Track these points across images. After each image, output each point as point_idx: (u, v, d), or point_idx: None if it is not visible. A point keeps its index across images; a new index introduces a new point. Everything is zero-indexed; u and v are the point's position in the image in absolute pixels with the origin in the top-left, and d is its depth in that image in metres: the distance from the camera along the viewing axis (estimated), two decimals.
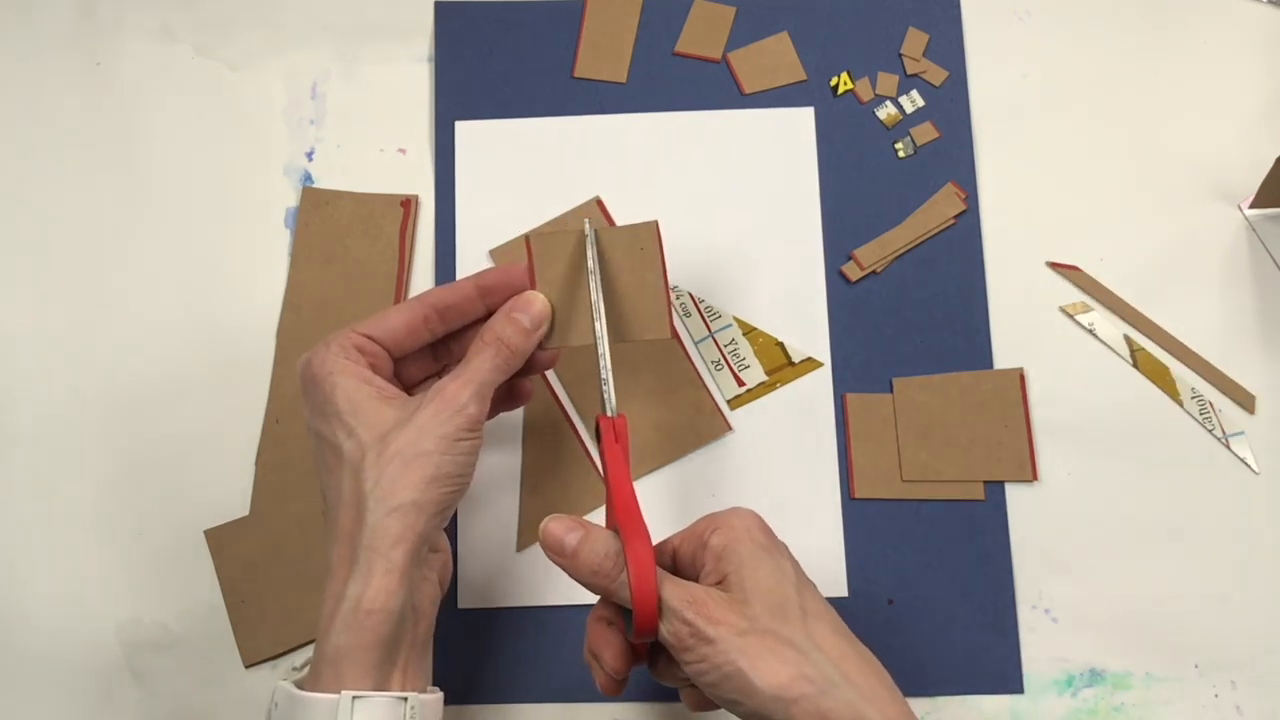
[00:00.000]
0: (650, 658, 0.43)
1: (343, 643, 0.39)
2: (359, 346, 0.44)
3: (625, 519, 0.40)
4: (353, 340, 0.44)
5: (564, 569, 0.40)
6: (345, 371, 0.42)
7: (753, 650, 0.37)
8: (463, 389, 0.42)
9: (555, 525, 0.40)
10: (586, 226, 0.46)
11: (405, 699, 0.39)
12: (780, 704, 0.36)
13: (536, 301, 0.45)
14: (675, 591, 0.38)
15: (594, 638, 0.42)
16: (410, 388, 0.48)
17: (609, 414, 0.43)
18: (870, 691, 0.38)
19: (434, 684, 0.43)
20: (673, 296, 0.56)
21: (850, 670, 0.38)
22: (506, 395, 0.49)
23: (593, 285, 0.45)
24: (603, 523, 0.43)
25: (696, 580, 0.41)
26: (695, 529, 0.42)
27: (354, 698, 0.38)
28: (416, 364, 0.48)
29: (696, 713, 0.44)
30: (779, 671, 0.37)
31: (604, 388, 0.44)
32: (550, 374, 0.56)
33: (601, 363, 0.44)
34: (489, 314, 0.46)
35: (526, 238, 0.46)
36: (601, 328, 0.44)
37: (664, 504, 0.54)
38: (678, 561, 0.43)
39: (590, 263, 0.45)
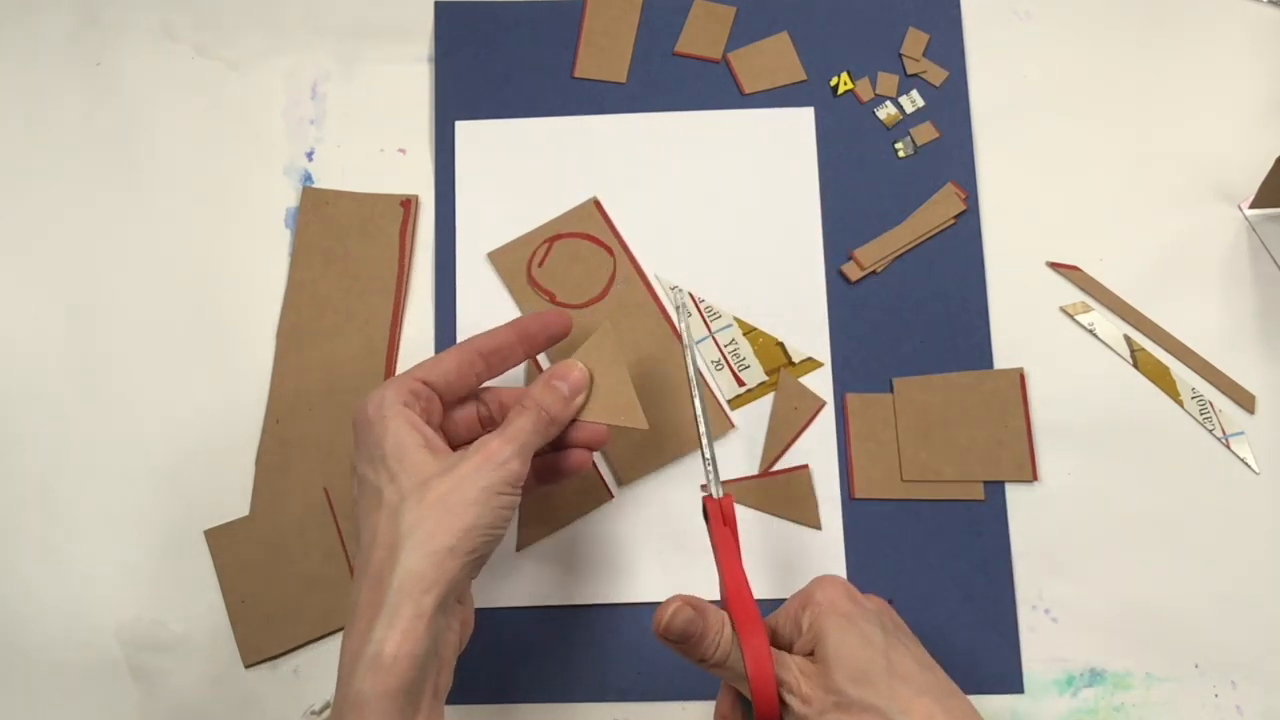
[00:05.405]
0: None
1: (366, 688, 0.38)
2: (414, 391, 0.45)
3: (740, 611, 0.40)
4: (409, 386, 0.45)
5: (682, 654, 0.41)
6: (398, 416, 0.43)
7: None
8: (505, 445, 0.43)
9: (679, 620, 0.40)
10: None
11: None
12: None
13: (575, 370, 0.46)
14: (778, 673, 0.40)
15: None
16: (455, 446, 0.48)
17: (714, 495, 0.44)
18: None
19: None
20: (673, 306, 0.56)
21: None
22: (555, 468, 0.48)
23: (692, 373, 0.46)
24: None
25: (792, 647, 0.43)
26: (790, 609, 0.44)
27: None
28: (464, 423, 0.48)
29: None
30: None
31: (707, 468, 0.45)
32: None
33: (703, 442, 0.45)
34: (527, 357, 0.48)
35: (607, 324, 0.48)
36: (702, 410, 0.46)
37: (664, 505, 0.54)
38: (777, 636, 0.44)
39: (688, 355, 0.47)
